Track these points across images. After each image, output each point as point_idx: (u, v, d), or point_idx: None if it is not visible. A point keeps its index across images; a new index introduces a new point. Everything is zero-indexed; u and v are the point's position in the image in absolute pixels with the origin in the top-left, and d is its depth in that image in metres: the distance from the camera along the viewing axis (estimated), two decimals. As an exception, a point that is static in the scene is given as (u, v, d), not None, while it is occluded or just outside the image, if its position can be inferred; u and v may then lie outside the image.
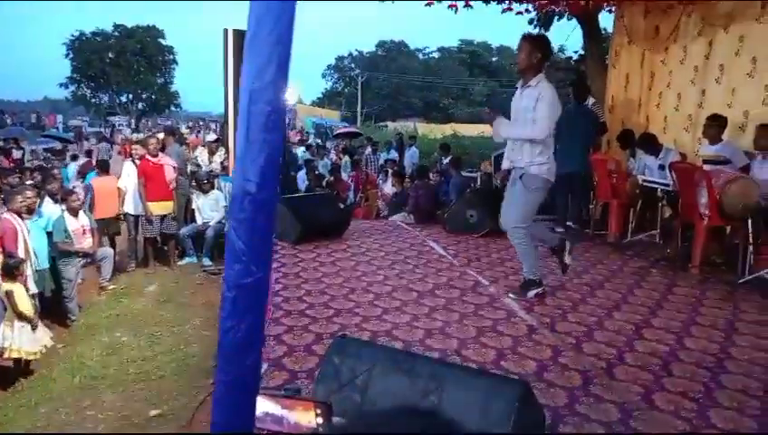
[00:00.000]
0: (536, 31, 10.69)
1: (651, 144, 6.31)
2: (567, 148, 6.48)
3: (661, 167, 5.85)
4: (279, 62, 0.97)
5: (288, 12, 0.96)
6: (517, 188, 4.04)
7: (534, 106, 3.79)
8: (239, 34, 4.70)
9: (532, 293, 4.16)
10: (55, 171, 9.39)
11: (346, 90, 53.39)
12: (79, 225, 6.59)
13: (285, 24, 0.96)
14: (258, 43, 0.97)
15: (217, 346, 1.03)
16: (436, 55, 55.98)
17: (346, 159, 14.57)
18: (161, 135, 8.89)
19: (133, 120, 40.27)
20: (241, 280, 1.00)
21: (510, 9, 7.19)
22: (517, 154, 4.02)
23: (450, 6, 6.57)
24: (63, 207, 6.65)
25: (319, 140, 22.88)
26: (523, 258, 4.20)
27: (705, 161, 5.34)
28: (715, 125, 5.48)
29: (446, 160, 11.59)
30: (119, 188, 7.60)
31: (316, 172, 11.30)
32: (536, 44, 3.91)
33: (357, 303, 4.02)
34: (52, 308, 6.15)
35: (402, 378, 1.93)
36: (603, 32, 9.92)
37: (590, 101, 7.53)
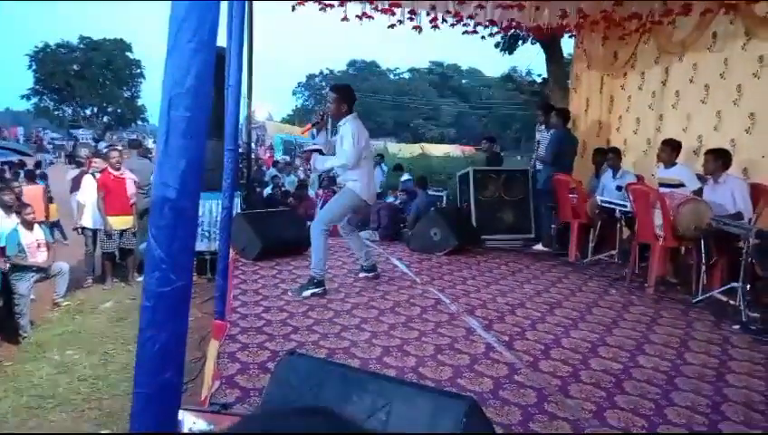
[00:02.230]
0: (501, 54, 10.96)
1: (614, 157, 6.47)
2: (560, 167, 6.62)
3: (618, 188, 5.99)
4: (198, 70, 0.96)
5: (209, 20, 0.95)
6: (336, 195, 4.92)
7: (341, 142, 4.54)
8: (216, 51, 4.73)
9: (308, 293, 4.49)
10: (15, 183, 9.10)
11: (317, 107, 53.46)
12: (33, 238, 6.38)
13: (206, 31, 0.95)
14: (178, 49, 0.96)
15: (135, 358, 1.00)
16: (407, 76, 56.64)
17: (314, 175, 14.52)
18: (119, 148, 8.70)
19: (93, 134, 39.42)
20: (160, 289, 0.97)
21: (475, 32, 7.31)
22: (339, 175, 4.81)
23: (414, 27, 6.67)
24: (18, 219, 6.44)
25: (287, 157, 22.79)
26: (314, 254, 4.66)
27: (661, 184, 5.50)
28: (668, 149, 5.64)
29: (402, 178, 11.74)
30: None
31: (282, 189, 11.23)
32: (342, 95, 4.62)
33: (316, 320, 3.98)
34: (3, 324, 5.91)
35: (350, 395, 1.90)
36: (568, 56, 10.21)
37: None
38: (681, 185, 5.34)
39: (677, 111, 6.76)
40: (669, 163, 5.67)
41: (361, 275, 5.15)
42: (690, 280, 5.05)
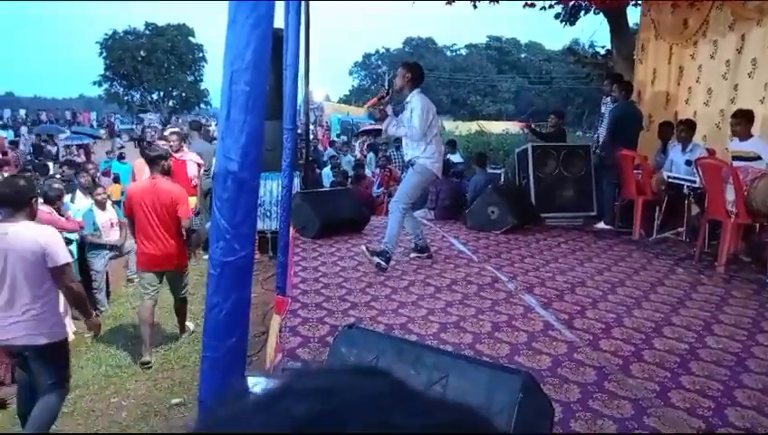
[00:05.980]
0: (562, 25, 10.59)
1: (686, 129, 6.16)
2: (623, 142, 6.37)
3: (688, 163, 5.72)
4: (257, 45, 0.99)
5: (265, -4, 0.98)
6: (408, 172, 4.95)
7: (410, 116, 4.73)
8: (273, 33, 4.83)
9: (375, 260, 4.63)
10: (90, 165, 9.60)
11: (373, 87, 53.41)
12: (107, 218, 6.73)
13: (263, 6, 0.98)
14: (237, 26, 0.99)
15: (203, 324, 1.05)
16: (463, 52, 55.65)
17: (371, 155, 14.59)
18: (178, 130, 8.99)
19: (160, 117, 40.90)
20: (224, 258, 1.02)
21: (533, 5, 7.09)
22: (409, 150, 4.89)
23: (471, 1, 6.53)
24: (92, 200, 6.81)
25: (345, 137, 22.99)
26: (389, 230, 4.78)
27: (735, 157, 5.21)
28: (743, 121, 5.33)
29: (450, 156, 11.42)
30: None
31: (340, 168, 11.35)
32: (408, 69, 4.88)
33: (373, 296, 4.04)
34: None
35: (407, 368, 1.93)
36: (634, 26, 9.74)
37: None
38: (757, 158, 5.04)
39: (753, 81, 6.34)
40: (745, 136, 5.36)
41: (412, 255, 5.10)
42: (765, 258, 4.79)
